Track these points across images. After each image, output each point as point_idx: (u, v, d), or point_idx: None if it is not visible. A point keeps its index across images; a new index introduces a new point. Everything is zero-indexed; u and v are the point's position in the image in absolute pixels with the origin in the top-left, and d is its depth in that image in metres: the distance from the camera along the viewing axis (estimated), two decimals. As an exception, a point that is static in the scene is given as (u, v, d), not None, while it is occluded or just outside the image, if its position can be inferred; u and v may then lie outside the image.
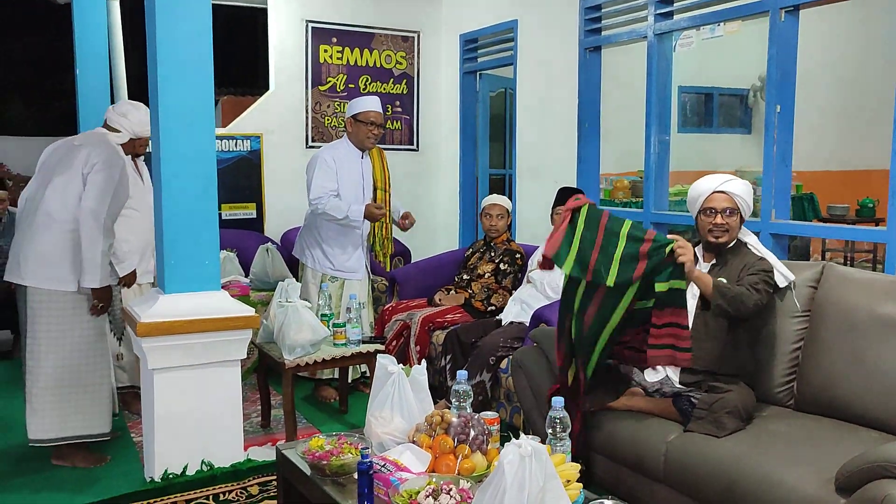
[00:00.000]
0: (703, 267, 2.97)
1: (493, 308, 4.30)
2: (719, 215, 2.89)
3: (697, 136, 7.99)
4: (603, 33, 4.84)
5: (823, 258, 6.65)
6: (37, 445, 3.30)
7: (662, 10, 4.34)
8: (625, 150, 6.11)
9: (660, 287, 2.66)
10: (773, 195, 3.77)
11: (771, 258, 2.91)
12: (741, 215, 2.92)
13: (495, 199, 4.58)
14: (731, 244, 2.95)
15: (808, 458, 2.33)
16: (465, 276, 4.51)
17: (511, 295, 4.31)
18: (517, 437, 1.87)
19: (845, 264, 6.61)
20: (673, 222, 4.53)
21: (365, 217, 4.16)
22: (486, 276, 4.40)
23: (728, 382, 2.73)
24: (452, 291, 4.53)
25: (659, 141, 4.47)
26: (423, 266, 4.96)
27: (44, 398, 3.26)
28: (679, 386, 2.82)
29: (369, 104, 4.27)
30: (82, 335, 3.32)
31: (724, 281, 2.75)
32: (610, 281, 2.63)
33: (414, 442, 2.33)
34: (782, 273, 2.88)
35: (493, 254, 4.49)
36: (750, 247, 2.95)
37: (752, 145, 7.86)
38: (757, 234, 3.81)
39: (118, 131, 3.61)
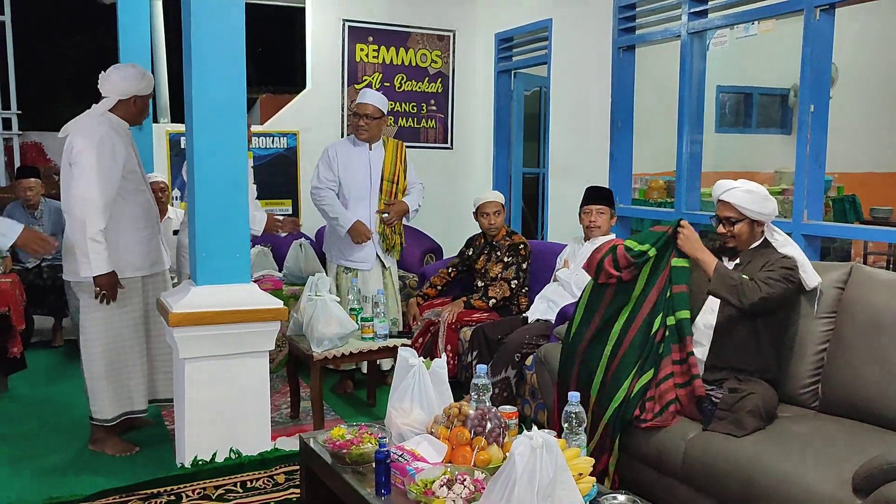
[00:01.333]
0: (727, 265, 2.95)
1: (494, 300, 4.34)
2: (721, 224, 2.93)
3: (736, 136, 7.89)
4: (637, 32, 4.82)
5: (865, 262, 6.51)
6: (97, 424, 3.46)
7: (696, 9, 4.31)
8: (661, 150, 6.07)
9: (676, 262, 2.88)
10: (805, 196, 3.73)
11: (799, 256, 2.87)
12: (750, 220, 2.89)
13: (489, 195, 4.51)
14: (756, 244, 2.93)
15: (828, 458, 2.31)
16: (479, 283, 4.51)
17: (512, 287, 4.35)
18: (535, 432, 1.90)
19: (887, 267, 6.49)
20: (705, 222, 4.49)
21: (349, 231, 4.23)
22: (498, 278, 4.42)
23: (750, 382, 2.72)
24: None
25: (692, 141, 4.44)
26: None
27: (98, 381, 3.41)
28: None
29: (360, 96, 4.36)
30: (122, 319, 3.44)
31: (730, 268, 2.75)
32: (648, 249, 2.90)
33: (432, 433, 2.37)
34: (808, 274, 2.84)
35: (498, 253, 4.48)
36: (776, 244, 2.92)
37: (791, 146, 7.73)
38: (788, 234, 3.79)
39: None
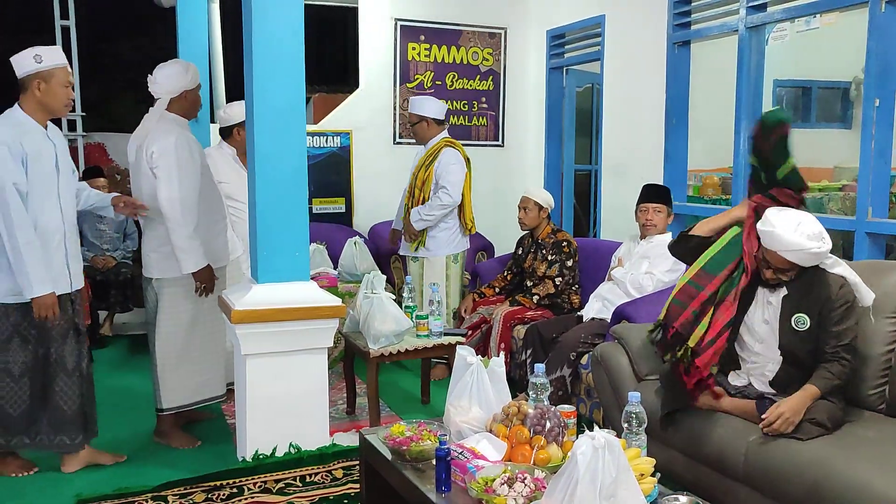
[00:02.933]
0: (773, 297, 2.77)
1: (538, 297, 4.39)
2: (773, 272, 2.72)
3: (794, 131, 7.68)
4: (692, 27, 4.75)
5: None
6: (164, 413, 3.60)
7: (755, 3, 4.23)
8: (716, 146, 5.97)
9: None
10: (869, 193, 3.64)
11: (850, 276, 2.71)
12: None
13: (527, 191, 4.58)
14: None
15: (897, 463, 2.26)
16: (528, 283, 4.52)
17: (556, 284, 4.37)
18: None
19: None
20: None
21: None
22: (544, 276, 4.41)
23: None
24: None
25: (749, 136, 4.36)
26: (506, 261, 4.99)
27: (171, 372, 3.56)
28: (762, 389, 2.77)
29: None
30: (204, 310, 3.59)
31: (817, 387, 2.59)
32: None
33: (491, 431, 2.39)
34: (862, 294, 2.70)
35: (543, 251, 4.47)
36: (826, 266, 2.72)
37: (852, 140, 7.52)
38: (852, 232, 3.70)
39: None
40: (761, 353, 2.80)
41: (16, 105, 3.17)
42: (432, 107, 4.55)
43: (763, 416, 2.56)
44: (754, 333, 2.82)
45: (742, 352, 2.87)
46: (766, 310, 2.79)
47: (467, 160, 4.57)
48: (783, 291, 2.76)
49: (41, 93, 3.13)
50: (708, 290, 2.83)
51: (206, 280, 3.50)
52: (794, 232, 2.60)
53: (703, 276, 2.86)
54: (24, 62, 3.13)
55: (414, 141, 4.91)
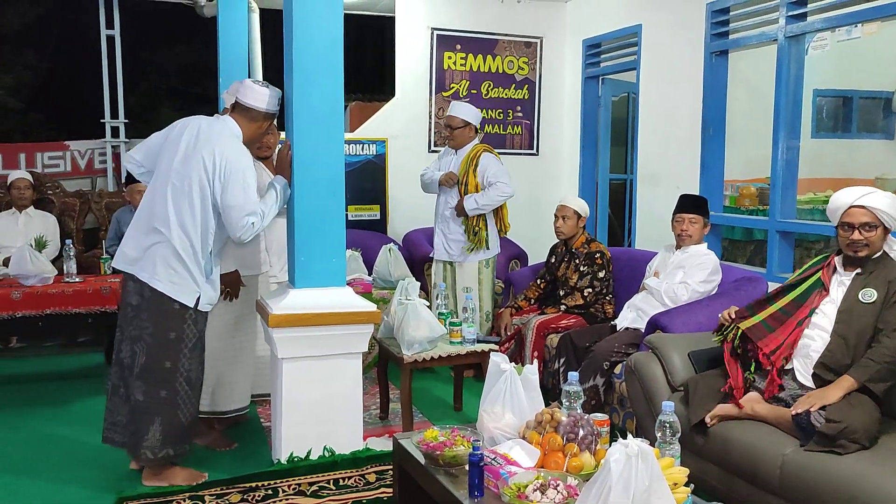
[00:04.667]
0: (845, 277, 2.89)
1: (565, 307, 4.42)
2: (857, 231, 2.80)
3: (834, 141, 7.59)
4: (730, 36, 4.73)
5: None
6: (202, 418, 3.61)
7: (795, 12, 4.20)
8: (752, 156, 5.92)
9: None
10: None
11: None
12: (885, 227, 2.80)
13: (565, 199, 4.60)
14: (877, 256, 2.85)
15: (938, 479, 2.22)
16: (560, 292, 4.52)
17: (585, 296, 4.39)
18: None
19: None
20: (800, 231, 4.38)
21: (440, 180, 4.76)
22: (577, 285, 4.41)
23: (850, 403, 2.61)
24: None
25: (787, 147, 4.33)
26: (539, 269, 4.99)
27: (208, 376, 3.56)
28: (801, 391, 2.75)
29: (449, 109, 4.80)
30: (221, 320, 3.62)
31: (856, 374, 2.67)
32: None
33: (524, 438, 2.40)
34: None
35: (576, 261, 4.47)
36: (894, 254, 2.85)
37: (894, 151, 7.40)
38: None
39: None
40: (816, 326, 2.86)
41: (230, 119, 3.25)
42: (475, 113, 4.75)
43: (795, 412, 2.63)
44: (818, 312, 2.89)
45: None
46: (836, 290, 2.88)
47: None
48: (856, 270, 2.86)
49: (261, 131, 3.34)
50: (797, 316, 2.93)
51: (232, 285, 3.56)
52: (849, 189, 2.85)
53: (791, 305, 2.97)
54: (272, 101, 3.26)
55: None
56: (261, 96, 3.24)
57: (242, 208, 3.08)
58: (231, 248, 3.52)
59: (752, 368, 2.90)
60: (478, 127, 4.75)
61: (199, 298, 3.13)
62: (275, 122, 3.47)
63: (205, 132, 3.16)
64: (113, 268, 4.78)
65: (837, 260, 2.95)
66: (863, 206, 2.79)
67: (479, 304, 4.67)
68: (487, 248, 4.69)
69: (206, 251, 3.14)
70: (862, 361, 2.69)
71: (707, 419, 2.83)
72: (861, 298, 2.79)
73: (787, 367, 2.88)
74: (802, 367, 2.83)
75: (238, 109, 3.27)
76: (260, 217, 3.12)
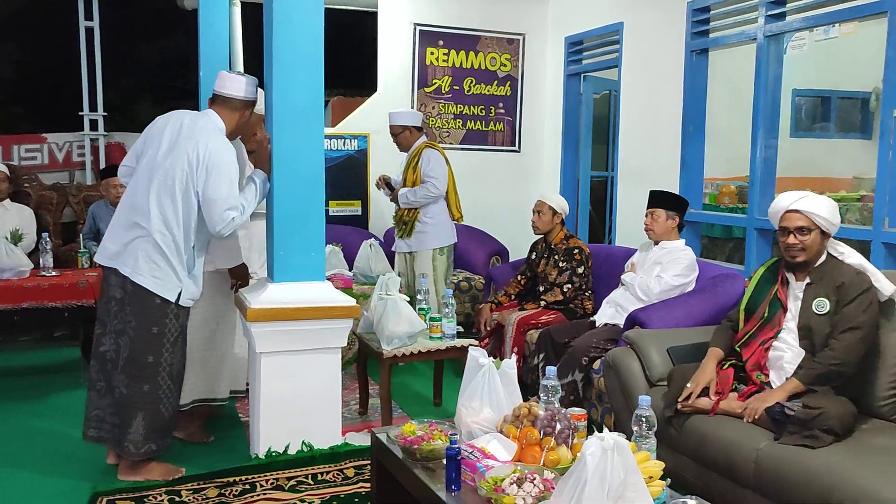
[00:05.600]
0: (797, 290, 2.90)
1: (545, 303, 4.44)
2: (792, 234, 2.83)
3: (812, 140, 7.67)
4: (711, 35, 4.76)
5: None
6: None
7: (774, 12, 4.23)
8: (732, 154, 5.96)
9: None
10: (886, 203, 3.63)
11: (868, 266, 2.83)
12: (821, 230, 2.81)
13: (542, 195, 4.68)
14: (822, 260, 2.86)
15: (909, 472, 2.25)
16: (540, 288, 4.54)
17: (564, 292, 4.41)
18: (603, 434, 1.91)
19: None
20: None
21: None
22: (556, 280, 4.43)
23: (827, 394, 2.66)
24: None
25: (766, 145, 4.36)
26: (519, 266, 5.01)
27: (188, 367, 3.54)
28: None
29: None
30: (219, 310, 3.64)
31: (808, 372, 2.73)
32: None
33: (501, 432, 2.40)
34: (882, 284, 2.78)
35: (556, 256, 4.49)
36: (842, 258, 2.86)
37: (872, 151, 7.47)
38: (869, 242, 3.69)
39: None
40: (784, 340, 2.88)
41: (213, 113, 3.22)
42: (411, 115, 5.03)
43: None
44: (784, 329, 2.91)
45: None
46: (793, 304, 2.90)
47: (447, 159, 4.94)
48: (806, 280, 2.87)
49: (244, 120, 3.31)
50: (762, 337, 2.95)
51: (242, 276, 3.58)
52: (787, 194, 2.89)
53: (757, 330, 2.98)
54: (249, 88, 3.25)
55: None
56: (238, 84, 3.23)
57: (225, 202, 3.07)
58: (219, 243, 3.48)
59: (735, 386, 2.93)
60: (419, 126, 4.99)
61: (180, 293, 3.11)
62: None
63: (188, 127, 3.14)
64: (92, 261, 4.75)
65: (789, 274, 2.95)
66: (797, 211, 2.81)
67: (435, 287, 4.84)
68: (416, 243, 4.89)
69: (189, 246, 3.13)
70: (809, 364, 2.74)
71: (679, 405, 2.87)
72: (815, 310, 2.81)
73: (763, 382, 2.90)
74: (778, 379, 2.85)
75: (218, 102, 3.25)
76: (240, 211, 3.11)
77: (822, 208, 2.80)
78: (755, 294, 3.04)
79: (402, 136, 4.95)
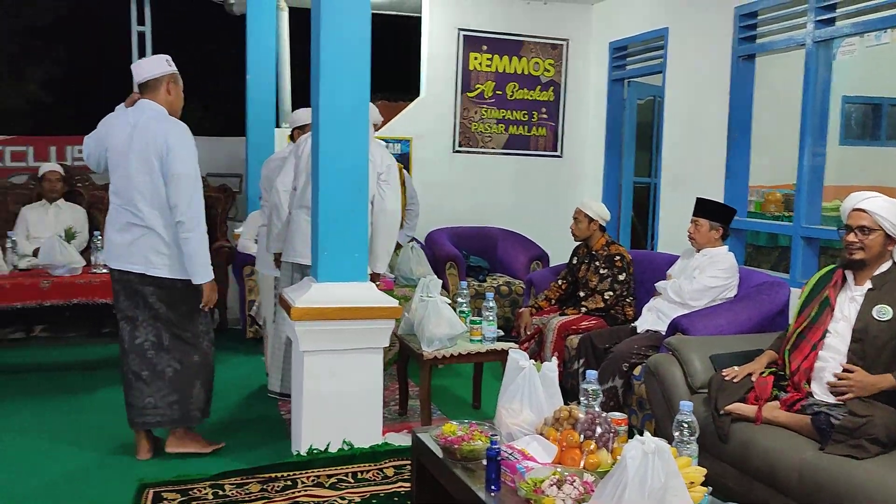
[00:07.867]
0: (857, 293, 2.84)
1: (586, 309, 4.41)
2: (854, 232, 2.79)
3: (862, 149, 7.52)
4: (758, 41, 4.71)
5: None
6: (272, 396, 4.13)
7: (823, 17, 4.17)
8: (779, 162, 5.88)
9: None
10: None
11: None
12: (886, 234, 2.76)
13: (581, 203, 4.65)
14: (886, 268, 2.81)
15: (958, 486, 2.21)
16: (580, 294, 4.53)
17: (605, 299, 4.37)
18: (644, 439, 1.91)
19: None
20: (825, 237, 4.34)
21: None
22: (598, 287, 4.42)
23: (875, 405, 2.61)
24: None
25: (814, 153, 4.30)
26: (560, 270, 5.00)
27: (279, 357, 3.96)
28: (821, 400, 2.74)
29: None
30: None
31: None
32: None
33: (541, 434, 2.42)
34: None
35: (597, 262, 4.48)
36: None
37: (924, 160, 7.31)
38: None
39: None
40: (830, 348, 2.82)
41: (152, 102, 3.32)
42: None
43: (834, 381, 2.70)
44: (831, 332, 2.85)
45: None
46: (848, 307, 2.83)
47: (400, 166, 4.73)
48: (868, 286, 2.81)
49: (171, 95, 3.38)
50: (810, 339, 2.90)
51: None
52: (856, 194, 2.85)
53: (806, 329, 2.95)
54: (157, 65, 3.36)
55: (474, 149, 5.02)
56: (151, 65, 3.37)
57: (196, 178, 3.25)
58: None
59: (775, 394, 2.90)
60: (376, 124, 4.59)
61: None
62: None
63: (141, 128, 3.25)
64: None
65: (848, 275, 2.90)
66: (863, 210, 2.79)
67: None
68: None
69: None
70: None
71: (723, 408, 2.85)
72: (876, 316, 2.74)
73: (808, 391, 2.86)
74: (821, 391, 2.81)
75: (145, 90, 3.35)
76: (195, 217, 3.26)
77: (888, 210, 2.75)
78: (809, 296, 3.01)
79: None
